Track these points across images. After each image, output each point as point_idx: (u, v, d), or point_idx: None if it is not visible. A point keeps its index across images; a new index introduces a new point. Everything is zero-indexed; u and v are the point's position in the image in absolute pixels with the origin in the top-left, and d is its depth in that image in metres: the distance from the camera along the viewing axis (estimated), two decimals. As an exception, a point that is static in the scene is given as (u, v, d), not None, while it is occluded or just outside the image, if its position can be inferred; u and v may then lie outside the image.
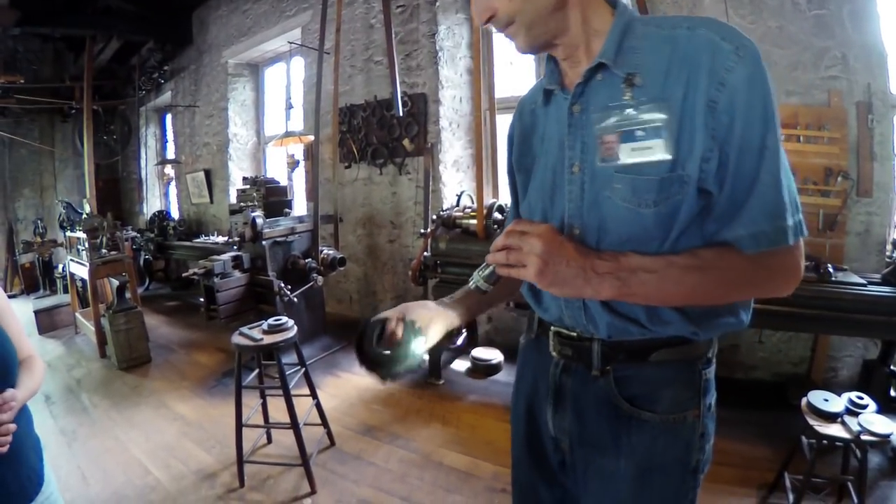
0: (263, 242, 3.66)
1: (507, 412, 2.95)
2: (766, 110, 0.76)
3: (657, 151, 0.79)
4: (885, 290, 2.65)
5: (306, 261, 3.79)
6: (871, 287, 2.68)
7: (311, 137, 4.09)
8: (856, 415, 2.07)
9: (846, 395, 2.17)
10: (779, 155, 0.76)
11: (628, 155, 0.81)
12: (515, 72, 4.17)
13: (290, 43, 4.90)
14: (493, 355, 3.47)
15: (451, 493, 2.24)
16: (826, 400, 2.14)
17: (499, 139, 4.00)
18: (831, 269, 2.78)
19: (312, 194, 4.00)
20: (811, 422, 2.04)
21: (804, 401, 2.16)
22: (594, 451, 0.95)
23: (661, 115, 0.78)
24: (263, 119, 6.22)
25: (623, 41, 0.83)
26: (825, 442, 2.01)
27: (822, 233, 3.23)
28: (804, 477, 2.01)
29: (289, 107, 4.83)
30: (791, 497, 2.07)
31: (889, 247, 3.20)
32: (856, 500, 2.11)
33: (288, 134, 4.38)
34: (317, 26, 4.12)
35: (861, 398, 2.16)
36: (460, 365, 3.57)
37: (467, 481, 2.33)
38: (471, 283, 0.97)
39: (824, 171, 3.26)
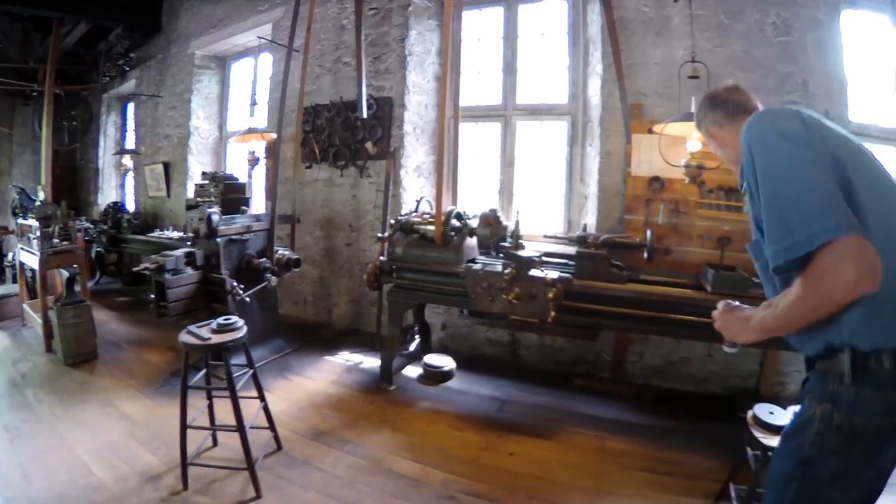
0: (218, 240, 3.55)
1: (459, 419, 2.98)
2: (759, 167, 1.13)
3: (752, 228, 1.30)
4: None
5: (261, 260, 3.70)
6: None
7: (274, 135, 4.01)
8: None
9: (791, 409, 2.22)
10: (768, 196, 1.08)
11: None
12: (483, 81, 4.21)
13: (261, 38, 4.80)
14: (446, 362, 3.45)
15: (399, 500, 2.23)
16: (771, 413, 2.20)
17: (462, 147, 4.02)
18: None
19: (271, 193, 3.91)
20: (756, 434, 2.09)
21: (750, 413, 2.21)
22: None
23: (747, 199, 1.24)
24: (227, 114, 6.08)
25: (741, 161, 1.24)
26: (770, 453, 2.04)
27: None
28: (749, 488, 2.06)
29: (253, 103, 4.73)
30: None
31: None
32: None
33: (251, 130, 4.26)
34: (288, 23, 4.06)
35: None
36: (412, 371, 3.54)
37: (416, 488, 2.32)
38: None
39: (776, 193, 3.36)
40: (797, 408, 2.16)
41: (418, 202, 3.37)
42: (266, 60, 5.18)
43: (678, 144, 3.12)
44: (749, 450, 2.20)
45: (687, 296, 2.86)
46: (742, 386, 3.35)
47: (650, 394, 3.37)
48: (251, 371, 2.43)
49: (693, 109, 2.99)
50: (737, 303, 1.29)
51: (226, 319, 2.33)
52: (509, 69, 4.08)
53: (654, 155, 3.27)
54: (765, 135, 1.13)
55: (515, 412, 3.10)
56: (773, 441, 2.02)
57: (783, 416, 2.16)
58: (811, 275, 0.99)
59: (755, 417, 2.18)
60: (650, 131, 3.23)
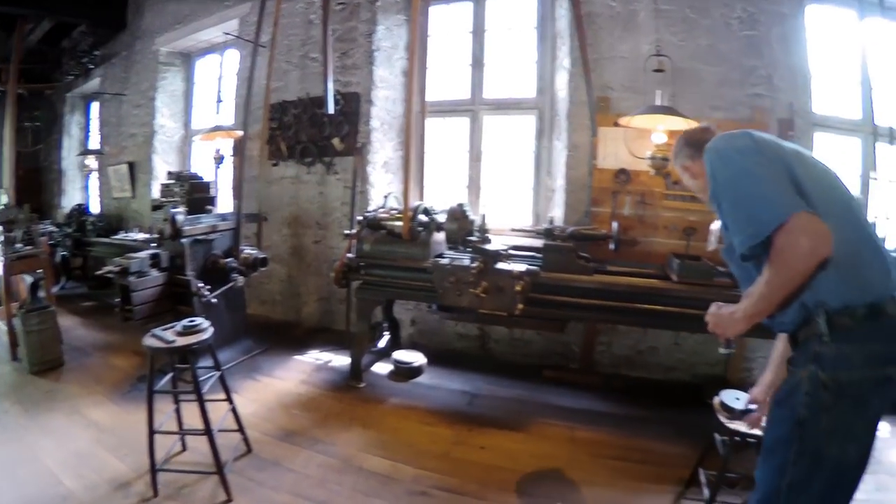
0: (183, 240, 3.47)
1: (430, 414, 2.97)
2: (721, 180, 1.33)
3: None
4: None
5: (227, 260, 3.63)
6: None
7: (240, 133, 3.93)
8: None
9: None
10: (730, 199, 1.28)
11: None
12: (450, 76, 4.20)
13: (227, 34, 4.71)
14: (416, 358, 3.44)
15: (371, 498, 2.21)
16: (737, 398, 2.22)
17: (429, 142, 4.01)
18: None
19: (237, 191, 3.85)
20: (723, 419, 2.11)
21: (717, 399, 2.24)
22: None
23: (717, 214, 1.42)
24: (192, 111, 5.94)
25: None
26: (737, 438, 2.08)
27: (736, 241, 3.39)
28: (718, 472, 2.09)
29: (219, 100, 4.64)
30: (706, 492, 2.13)
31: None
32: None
33: (216, 128, 4.18)
34: (255, 18, 3.98)
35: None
36: (382, 368, 3.51)
37: (388, 485, 2.30)
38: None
39: (741, 184, 3.42)
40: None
41: (386, 198, 3.34)
42: (232, 57, 5.09)
43: (644, 137, 3.16)
44: (717, 435, 2.24)
45: (653, 286, 2.90)
46: (710, 373, 3.42)
47: (619, 383, 3.41)
48: (218, 373, 2.39)
49: (658, 102, 3.06)
50: (722, 303, 1.43)
51: (191, 321, 2.28)
52: (477, 64, 4.07)
53: (620, 148, 3.31)
54: (721, 151, 1.35)
55: (486, 406, 3.11)
56: (741, 426, 2.04)
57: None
58: (774, 254, 1.14)
59: (722, 403, 2.21)
60: (616, 124, 3.26)
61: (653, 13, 3.50)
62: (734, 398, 2.22)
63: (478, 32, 4.09)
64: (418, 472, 2.40)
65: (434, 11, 4.18)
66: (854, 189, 3.65)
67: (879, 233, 2.80)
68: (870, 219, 3.14)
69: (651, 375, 3.54)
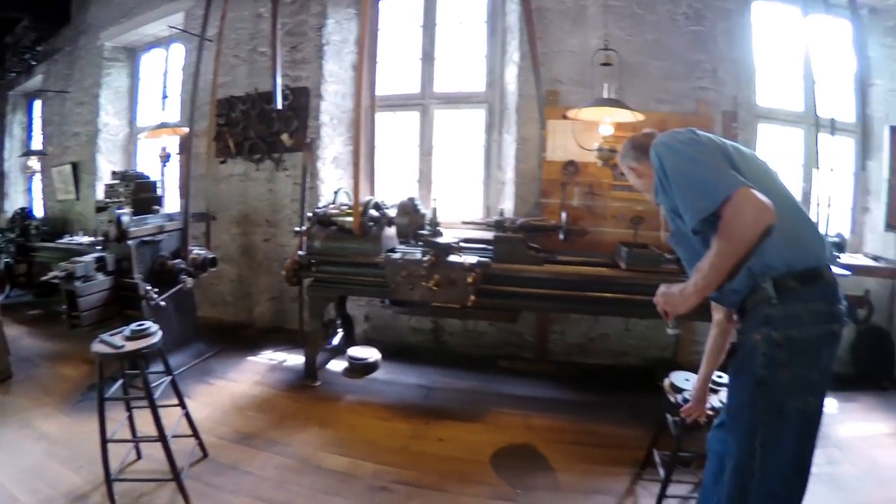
0: (129, 242, 3.35)
1: (386, 409, 2.96)
2: (669, 168, 1.41)
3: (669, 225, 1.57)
4: (741, 278, 2.92)
5: (175, 262, 3.52)
6: (727, 276, 2.95)
7: (186, 130, 3.81)
8: (716, 392, 2.22)
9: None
10: (679, 182, 1.37)
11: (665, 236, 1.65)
12: (401, 70, 4.17)
13: (172, 27, 4.55)
14: (370, 354, 3.42)
15: (331, 496, 2.20)
16: (687, 379, 2.29)
17: (380, 137, 3.98)
18: (689, 262, 3.01)
19: (184, 190, 3.73)
20: (673, 400, 2.18)
21: (666, 381, 2.31)
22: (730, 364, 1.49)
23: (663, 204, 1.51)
24: (137, 108, 5.72)
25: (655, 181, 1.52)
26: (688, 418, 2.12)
27: (685, 228, 3.50)
28: (671, 452, 2.15)
29: (164, 96, 4.49)
30: (661, 472, 2.20)
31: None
32: (724, 470, 2.29)
33: (162, 125, 4.04)
34: (201, 11, 3.85)
35: (720, 376, 2.31)
36: (337, 365, 3.48)
37: (347, 482, 2.29)
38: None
39: (685, 173, 3.52)
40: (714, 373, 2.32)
41: (336, 194, 3.30)
42: (178, 51, 4.92)
43: (591, 129, 3.22)
44: (669, 416, 2.30)
45: (602, 274, 2.96)
46: (660, 356, 3.53)
47: (573, 370, 3.49)
48: (170, 378, 2.33)
49: (606, 95, 3.12)
50: (670, 284, 1.51)
51: (139, 325, 2.21)
52: (427, 58, 4.07)
53: (568, 140, 3.36)
54: (668, 144, 1.46)
55: (442, 398, 3.12)
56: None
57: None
58: (722, 226, 1.23)
59: (672, 385, 2.29)
60: (565, 117, 3.31)
61: (601, 8, 3.58)
62: (684, 379, 2.30)
63: (428, 26, 4.08)
64: (377, 468, 2.39)
65: (384, 5, 4.15)
66: (796, 177, 3.83)
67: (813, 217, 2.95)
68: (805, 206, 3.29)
69: (604, 361, 3.63)
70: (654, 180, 1.50)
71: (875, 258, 3.68)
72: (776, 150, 3.85)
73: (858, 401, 3.19)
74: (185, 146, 3.90)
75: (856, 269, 3.11)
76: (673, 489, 2.16)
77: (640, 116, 3.01)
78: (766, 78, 3.81)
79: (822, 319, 1.29)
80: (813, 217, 2.83)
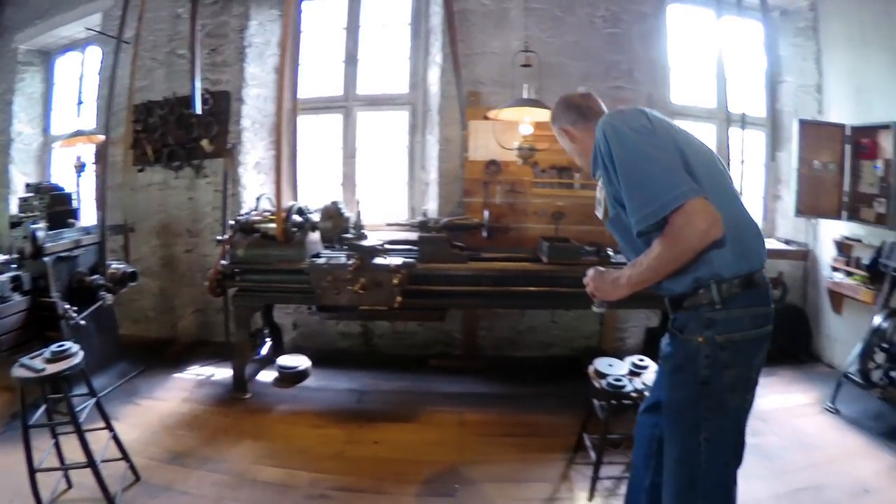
0: (45, 259, 3.17)
1: (319, 417, 2.92)
2: (617, 153, 1.35)
3: (606, 206, 1.49)
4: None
5: (93, 277, 3.36)
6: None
7: (102, 137, 3.62)
8: (638, 374, 2.35)
9: (629, 359, 2.45)
10: (627, 177, 1.32)
11: (601, 213, 1.54)
12: (324, 73, 4.13)
13: (88, 29, 4.31)
14: (300, 362, 3.37)
15: None
16: (610, 365, 2.40)
17: (302, 140, 3.96)
18: (610, 252, 3.15)
19: (101, 202, 3.55)
20: (598, 385, 2.28)
21: (591, 368, 2.40)
22: (663, 358, 1.49)
23: (601, 183, 1.49)
24: (51, 115, 5.38)
25: (593, 155, 1.49)
26: (614, 402, 2.26)
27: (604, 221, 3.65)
28: (600, 435, 2.25)
29: (80, 102, 4.25)
30: (593, 455, 2.29)
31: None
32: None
33: (77, 133, 3.83)
34: (119, 12, 3.65)
35: (642, 360, 2.46)
36: (267, 376, 3.41)
37: (285, 493, 2.26)
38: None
39: (604, 169, 3.67)
40: (635, 358, 2.44)
41: (258, 200, 3.23)
42: (94, 54, 4.66)
43: (512, 129, 3.30)
44: (596, 401, 2.41)
45: (526, 268, 3.06)
46: (586, 345, 3.68)
47: (503, 364, 3.59)
48: (94, 400, 2.21)
49: (525, 96, 3.20)
50: (603, 268, 1.53)
51: (59, 346, 2.09)
52: (351, 60, 4.04)
53: (490, 140, 3.44)
54: (617, 129, 1.37)
55: (375, 401, 3.13)
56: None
57: (621, 367, 2.40)
58: (669, 232, 1.23)
59: (596, 371, 2.39)
60: (486, 118, 3.37)
61: (523, 11, 3.67)
62: (607, 365, 2.41)
63: (352, 28, 4.05)
64: (314, 476, 2.37)
65: (308, 7, 4.09)
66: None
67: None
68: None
69: (532, 354, 3.75)
70: (594, 154, 1.47)
71: (787, 242, 4.00)
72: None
73: (779, 375, 3.44)
74: (101, 155, 3.70)
75: (770, 253, 3.35)
76: (605, 470, 2.27)
77: (557, 115, 3.10)
78: (680, 77, 4.05)
79: (760, 322, 1.33)
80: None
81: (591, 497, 2.23)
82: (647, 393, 2.23)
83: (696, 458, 1.34)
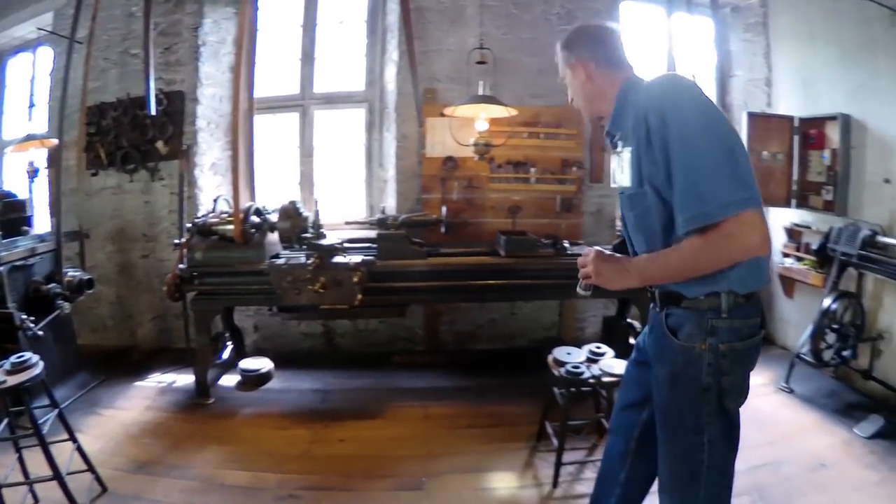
0: (0, 268, 3.09)
1: (284, 418, 2.93)
2: (680, 134, 1.15)
3: (627, 177, 1.32)
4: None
5: (49, 286, 3.28)
6: (602, 256, 3.16)
7: (55, 141, 3.53)
8: (596, 361, 2.42)
9: (586, 347, 2.52)
10: (691, 165, 1.14)
11: (619, 181, 1.38)
12: (280, 71, 4.09)
13: (40, 29, 4.18)
14: (263, 364, 3.36)
15: None
16: (568, 353, 2.47)
17: (259, 140, 3.93)
18: (567, 244, 3.22)
19: (55, 208, 3.47)
20: (557, 374, 2.34)
21: (550, 357, 2.47)
22: (654, 359, 1.41)
23: (629, 156, 1.30)
24: (2, 120, 5.22)
25: (617, 112, 1.38)
26: (573, 389, 2.32)
27: (560, 214, 3.73)
28: (561, 422, 2.31)
29: (31, 105, 4.12)
30: (555, 442, 2.35)
31: (618, 223, 3.80)
32: (611, 432, 2.47)
33: (29, 137, 3.72)
34: (72, 11, 3.54)
35: (599, 347, 2.53)
36: (230, 380, 3.39)
37: (253, 496, 2.27)
38: (578, 290, 1.47)
39: (562, 163, 3.76)
40: (593, 345, 2.49)
41: (215, 201, 3.20)
42: (46, 55, 4.53)
43: (468, 125, 3.33)
44: (556, 389, 2.48)
45: (484, 262, 3.12)
46: (546, 336, 3.77)
47: (464, 358, 3.65)
48: (56, 411, 2.17)
49: (481, 92, 3.23)
50: (608, 251, 1.40)
51: (19, 357, 2.06)
52: (307, 58, 4.01)
53: (446, 136, 3.47)
54: (681, 102, 1.19)
55: (339, 400, 3.15)
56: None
57: (579, 355, 2.47)
58: (715, 238, 1.11)
59: (555, 359, 2.45)
60: (442, 114, 3.40)
61: (479, 9, 3.72)
62: (565, 353, 2.47)
63: (308, 26, 4.02)
64: (281, 477, 2.38)
65: (264, 5, 4.03)
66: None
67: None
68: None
69: (493, 346, 3.82)
70: (633, 122, 1.27)
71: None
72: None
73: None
74: (55, 159, 3.61)
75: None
76: (568, 456, 2.35)
77: (513, 112, 3.15)
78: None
79: (756, 330, 1.31)
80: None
81: (555, 483, 2.30)
82: (605, 378, 2.29)
83: (699, 455, 1.32)
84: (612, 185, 1.43)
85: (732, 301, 1.24)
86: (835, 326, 2.99)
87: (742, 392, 1.34)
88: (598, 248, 1.40)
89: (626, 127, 1.32)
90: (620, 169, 1.35)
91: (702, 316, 1.26)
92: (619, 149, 1.35)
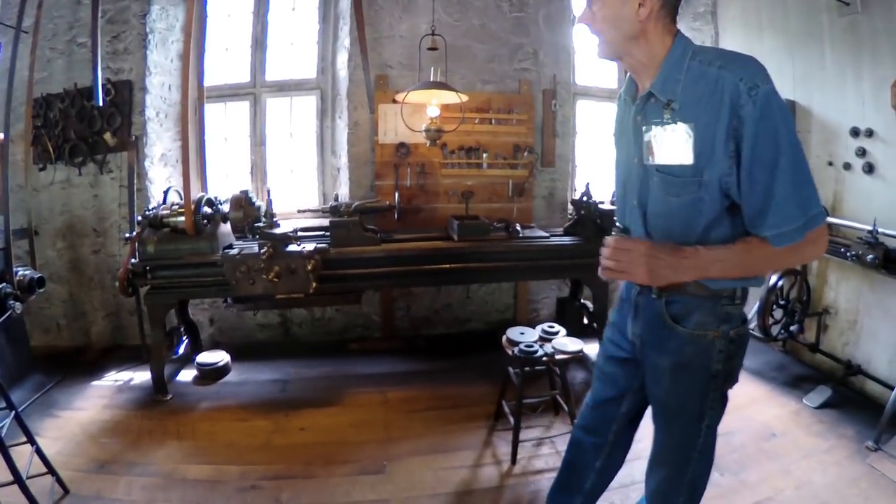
0: None
1: (244, 410, 2.94)
2: (777, 137, 1.05)
3: (680, 157, 1.14)
4: (566, 239, 3.24)
5: (0, 286, 3.22)
6: (553, 238, 3.25)
7: (2, 135, 3.43)
8: (549, 340, 2.49)
9: (539, 327, 2.60)
10: (791, 173, 1.06)
11: (661, 158, 1.19)
12: (230, 59, 4.02)
13: None
14: (220, 357, 3.35)
15: None
16: (522, 333, 2.54)
17: (209, 129, 3.85)
18: (519, 228, 3.28)
19: (3, 205, 3.38)
20: (511, 353, 2.42)
21: (504, 337, 2.53)
22: (651, 349, 1.35)
23: (688, 132, 1.12)
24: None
25: (670, 73, 1.15)
26: (526, 369, 2.39)
27: (512, 199, 3.80)
28: (516, 401, 2.38)
29: (-25, 99, 3.98)
30: (512, 420, 2.42)
31: (569, 206, 3.89)
32: (566, 408, 2.57)
33: (-27, 132, 3.62)
34: None
35: (552, 327, 2.61)
36: (187, 375, 3.37)
37: (215, 489, 2.28)
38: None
39: (513, 148, 3.81)
40: (545, 325, 2.55)
41: (166, 193, 3.16)
42: (-11, 46, 4.37)
43: (420, 112, 3.35)
44: (510, 369, 2.55)
45: (438, 247, 3.16)
46: (501, 318, 3.85)
47: (421, 342, 3.71)
48: (13, 414, 2.15)
49: (433, 78, 3.23)
50: (627, 237, 1.28)
51: None
52: (258, 45, 3.95)
53: (398, 123, 3.47)
54: (784, 110, 1.07)
55: (298, 389, 3.19)
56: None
57: (532, 334, 2.54)
58: (803, 243, 1.10)
59: (508, 339, 2.52)
60: (394, 101, 3.39)
61: (431, -5, 3.70)
62: (519, 333, 2.54)
63: (259, 13, 3.95)
64: (243, 469, 2.41)
65: (213, -10, 3.95)
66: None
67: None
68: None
69: (449, 330, 3.90)
70: (692, 90, 1.11)
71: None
72: (592, 123, 4.34)
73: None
74: (1, 154, 3.51)
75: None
76: (525, 433, 2.44)
77: (464, 98, 3.17)
78: (583, 59, 4.23)
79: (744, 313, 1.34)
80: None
81: (513, 460, 2.39)
82: (558, 356, 2.37)
83: (695, 442, 1.35)
84: (646, 162, 1.21)
85: (743, 287, 1.26)
86: (781, 303, 3.11)
87: (737, 376, 1.35)
88: (622, 237, 1.26)
89: (686, 97, 1.12)
90: (664, 143, 1.16)
91: (716, 303, 1.24)
92: (666, 119, 1.15)
